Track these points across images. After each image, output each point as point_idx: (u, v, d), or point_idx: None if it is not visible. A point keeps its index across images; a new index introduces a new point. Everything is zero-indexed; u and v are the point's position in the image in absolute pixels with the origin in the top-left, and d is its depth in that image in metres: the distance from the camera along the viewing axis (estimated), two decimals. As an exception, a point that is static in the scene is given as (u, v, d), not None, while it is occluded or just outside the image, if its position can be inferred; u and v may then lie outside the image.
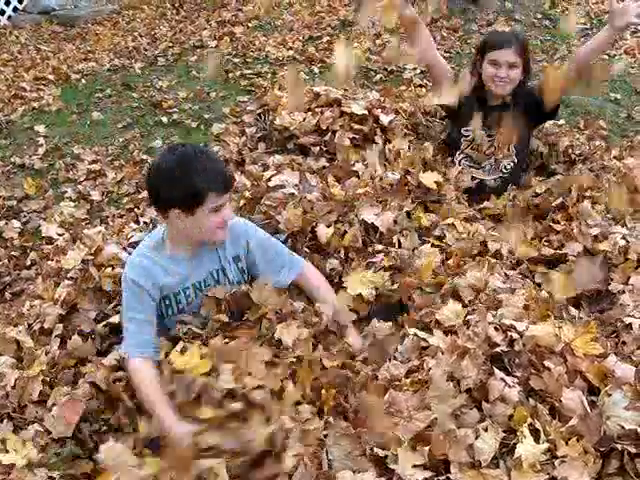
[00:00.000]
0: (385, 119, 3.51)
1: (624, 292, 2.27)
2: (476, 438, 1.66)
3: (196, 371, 1.91)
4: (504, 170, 3.35)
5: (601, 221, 2.71)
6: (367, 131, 3.47)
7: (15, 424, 2.13)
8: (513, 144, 3.31)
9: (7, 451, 1.98)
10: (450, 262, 2.50)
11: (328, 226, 2.73)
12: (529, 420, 1.66)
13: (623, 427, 1.66)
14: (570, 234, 2.63)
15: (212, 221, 2.13)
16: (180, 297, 2.28)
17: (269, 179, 3.02)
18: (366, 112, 3.48)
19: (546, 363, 1.82)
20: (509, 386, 1.73)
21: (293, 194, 2.84)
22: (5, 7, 8.81)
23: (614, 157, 3.55)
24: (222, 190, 2.11)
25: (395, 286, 2.42)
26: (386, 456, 1.68)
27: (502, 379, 1.74)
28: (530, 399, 1.76)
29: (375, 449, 1.69)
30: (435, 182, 2.96)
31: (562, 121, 4.07)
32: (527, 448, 1.60)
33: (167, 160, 2.13)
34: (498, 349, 1.87)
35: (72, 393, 2.12)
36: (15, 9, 8.96)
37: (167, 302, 2.28)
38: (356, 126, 3.45)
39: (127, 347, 2.17)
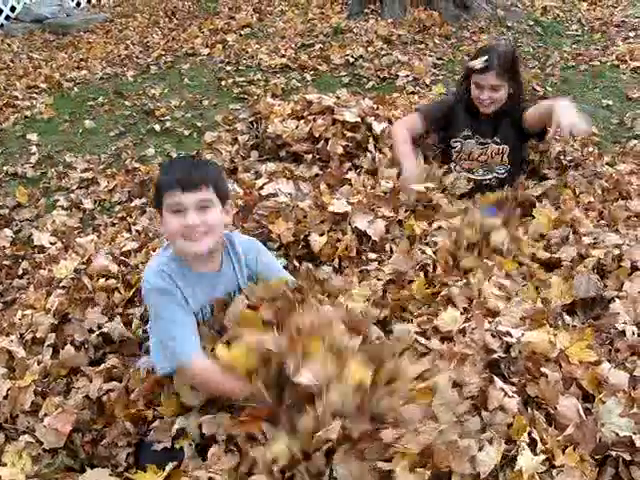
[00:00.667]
0: (378, 127, 3.51)
1: (618, 299, 2.27)
2: (479, 449, 1.63)
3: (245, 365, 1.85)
4: (498, 172, 3.39)
5: (594, 229, 2.73)
6: (360, 139, 3.47)
7: (7, 435, 2.12)
8: (506, 154, 3.34)
9: (4, 464, 1.97)
10: (438, 270, 2.49)
11: (321, 235, 2.72)
12: (528, 429, 1.65)
13: (618, 434, 1.66)
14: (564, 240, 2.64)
15: (173, 223, 2.00)
16: (199, 316, 2.14)
17: (261, 187, 3.01)
18: (359, 120, 3.48)
19: (542, 369, 1.81)
20: (508, 395, 1.72)
21: (287, 204, 2.83)
22: (-3, 15, 8.82)
23: (606, 163, 3.56)
24: (174, 188, 1.97)
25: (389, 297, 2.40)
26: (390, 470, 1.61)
27: (501, 388, 1.73)
28: (527, 407, 1.76)
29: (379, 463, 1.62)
30: (425, 188, 2.96)
31: (554, 128, 4.09)
32: (527, 460, 1.59)
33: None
34: (495, 355, 1.86)
35: (64, 404, 2.10)
36: (7, 17, 8.95)
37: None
38: (349, 134, 3.45)
39: (183, 355, 1.99)
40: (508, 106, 3.30)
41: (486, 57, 3.18)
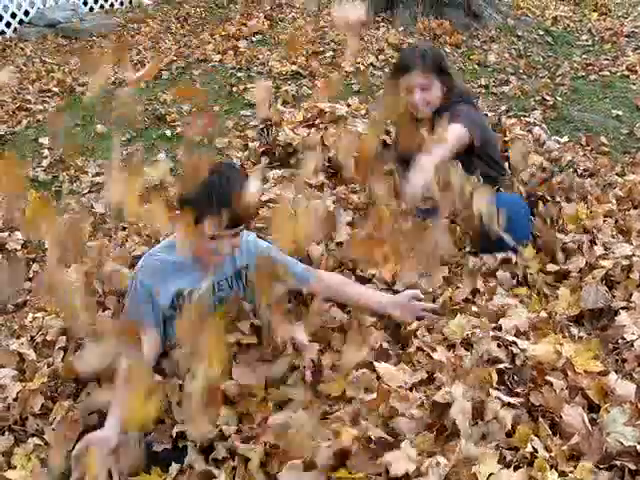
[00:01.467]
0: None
1: (626, 309, 2.28)
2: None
3: None
4: None
5: (610, 238, 2.73)
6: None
7: (16, 437, 2.13)
8: None
9: (14, 466, 1.99)
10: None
11: (318, 243, 2.76)
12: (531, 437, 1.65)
13: (622, 444, 1.66)
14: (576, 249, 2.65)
15: (205, 245, 2.13)
16: (194, 295, 2.20)
17: (262, 193, 3.03)
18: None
19: (547, 378, 1.82)
20: (507, 405, 1.72)
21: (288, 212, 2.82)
22: (11, 19, 8.86)
23: (616, 174, 3.57)
24: (219, 224, 2.05)
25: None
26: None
27: (498, 398, 1.73)
28: (531, 416, 1.76)
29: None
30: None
31: (565, 138, 4.10)
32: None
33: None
34: (501, 365, 1.87)
35: (74, 407, 2.12)
36: (21, 22, 9.02)
37: (180, 300, 2.25)
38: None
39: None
40: (440, 112, 2.87)
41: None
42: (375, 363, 2.00)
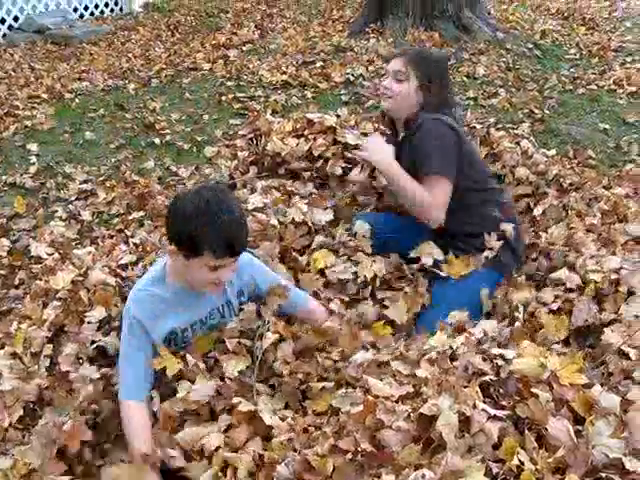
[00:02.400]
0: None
1: (613, 323, 2.29)
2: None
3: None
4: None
5: (595, 251, 2.75)
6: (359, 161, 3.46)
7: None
8: None
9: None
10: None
11: (301, 252, 2.76)
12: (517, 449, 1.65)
13: (608, 456, 1.65)
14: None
15: (206, 276, 2.05)
16: (187, 333, 2.21)
17: (245, 200, 3.03)
18: (360, 142, 3.45)
19: (532, 390, 1.82)
20: (500, 419, 1.72)
21: (272, 225, 2.84)
22: (0, 25, 8.84)
23: (603, 187, 3.59)
24: (222, 254, 2.00)
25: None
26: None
27: (484, 410, 1.73)
28: (517, 428, 1.76)
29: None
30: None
31: (553, 151, 4.12)
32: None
33: (190, 199, 2.00)
34: (486, 378, 1.87)
35: (67, 419, 2.09)
36: (10, 27, 9.00)
37: (173, 336, 2.20)
38: (349, 155, 3.45)
39: (122, 388, 2.11)
40: (413, 125, 2.78)
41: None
42: (364, 376, 2.00)
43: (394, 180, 2.70)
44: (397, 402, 1.84)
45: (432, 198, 2.61)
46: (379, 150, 2.76)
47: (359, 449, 1.69)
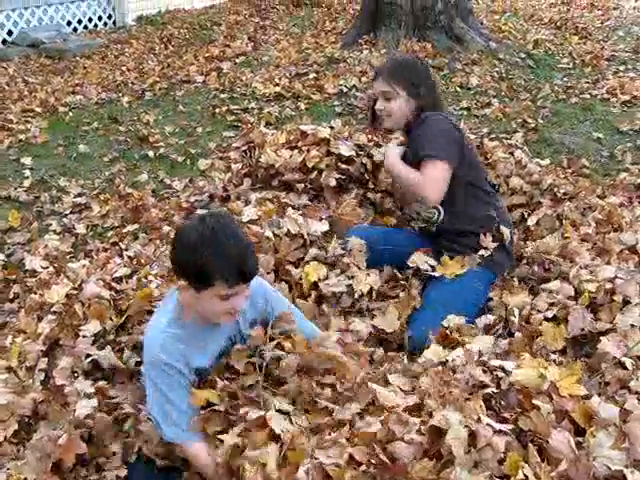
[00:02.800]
0: (371, 162, 3.50)
1: (609, 332, 2.28)
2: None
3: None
4: (430, 217, 2.86)
5: (590, 261, 2.75)
6: (353, 172, 3.47)
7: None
8: None
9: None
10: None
11: (296, 265, 2.74)
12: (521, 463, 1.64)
13: (609, 467, 1.65)
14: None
15: (219, 307, 1.97)
16: (210, 370, 2.12)
17: (240, 212, 3.02)
18: (354, 154, 3.45)
19: (534, 402, 1.81)
20: (504, 433, 1.71)
21: (267, 237, 2.83)
22: (-6, 39, 8.86)
23: (597, 196, 3.59)
24: (234, 282, 1.91)
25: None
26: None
27: (489, 424, 1.72)
28: (520, 441, 1.75)
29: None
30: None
31: (547, 161, 4.13)
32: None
33: (194, 228, 1.92)
34: (488, 390, 1.86)
35: (50, 435, 2.07)
36: (4, 41, 9.00)
37: (203, 371, 2.11)
38: (343, 166, 3.43)
39: (172, 429, 1.99)
40: (411, 131, 2.88)
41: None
42: (371, 384, 1.97)
43: (393, 171, 2.89)
44: (404, 412, 1.82)
45: (423, 176, 2.69)
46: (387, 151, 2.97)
47: (372, 461, 1.69)
